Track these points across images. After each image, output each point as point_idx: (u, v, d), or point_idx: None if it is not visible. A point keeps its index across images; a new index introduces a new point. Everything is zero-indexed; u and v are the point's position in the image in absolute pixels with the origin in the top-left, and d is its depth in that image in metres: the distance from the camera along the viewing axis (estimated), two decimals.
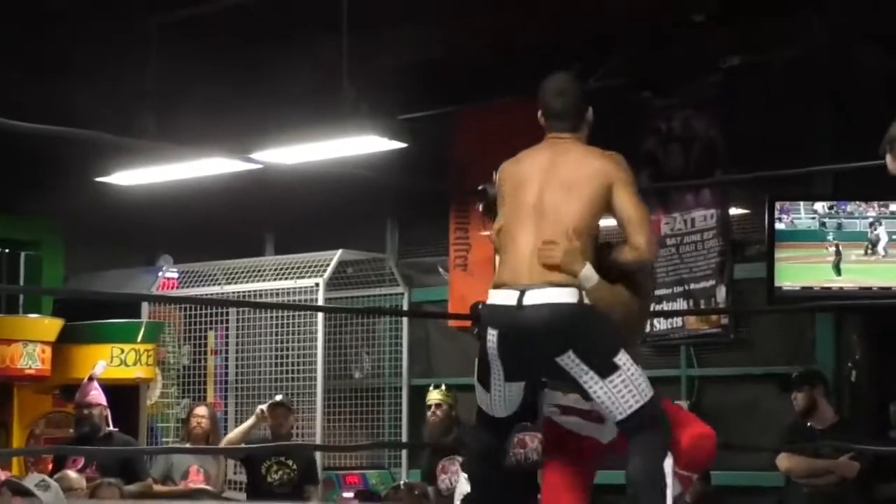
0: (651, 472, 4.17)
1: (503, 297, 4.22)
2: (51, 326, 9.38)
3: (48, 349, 9.27)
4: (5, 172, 9.68)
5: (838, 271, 7.88)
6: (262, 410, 8.62)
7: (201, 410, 8.81)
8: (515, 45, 7.95)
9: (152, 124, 7.87)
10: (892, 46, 7.69)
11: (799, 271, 7.92)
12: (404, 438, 10.01)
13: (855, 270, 7.85)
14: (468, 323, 9.09)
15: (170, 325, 10.42)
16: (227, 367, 10.45)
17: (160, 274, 10.52)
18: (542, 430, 4.65)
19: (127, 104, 8.27)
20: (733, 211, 8.76)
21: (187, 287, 10.44)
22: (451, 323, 9.72)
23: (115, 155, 8.68)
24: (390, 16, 7.98)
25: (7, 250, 10.26)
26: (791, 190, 8.14)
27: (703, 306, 8.70)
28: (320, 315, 9.72)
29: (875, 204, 7.81)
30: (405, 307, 10.21)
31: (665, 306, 8.73)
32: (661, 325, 8.76)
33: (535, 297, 4.15)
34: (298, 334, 9.85)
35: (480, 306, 4.41)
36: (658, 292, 8.70)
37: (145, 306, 10.29)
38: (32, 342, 9.19)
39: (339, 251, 9.89)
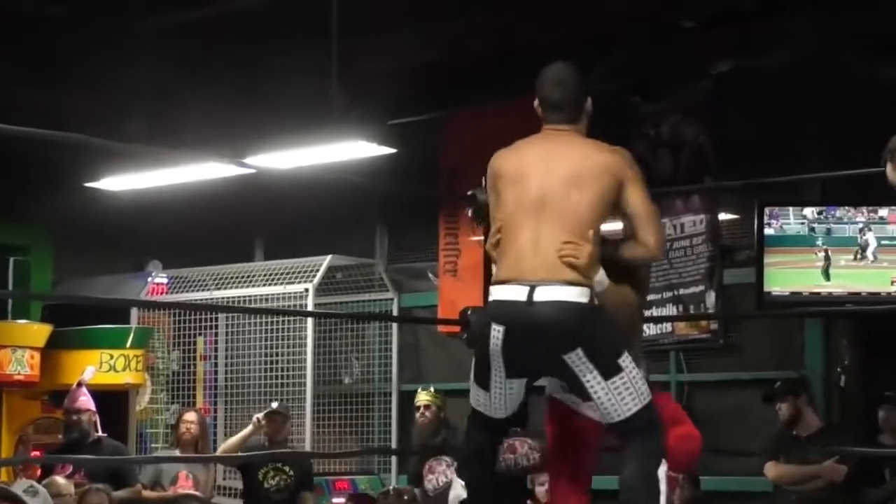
0: (646, 479, 4.15)
1: (511, 293, 4.14)
2: (40, 332, 9.35)
3: (37, 355, 9.25)
4: None
5: (827, 276, 7.89)
6: (258, 419, 8.59)
7: (190, 416, 8.78)
8: (505, 51, 7.95)
9: (142, 129, 7.87)
10: (881, 52, 7.70)
11: (788, 276, 7.93)
12: (394, 444, 10.01)
13: (844, 276, 7.86)
14: (458, 328, 9.09)
15: (159, 331, 10.40)
16: (216, 372, 10.44)
17: (149, 279, 10.51)
18: (546, 407, 4.63)
19: (117, 109, 8.27)
20: (722, 216, 8.77)
21: (177, 292, 10.42)
22: (441, 328, 9.71)
23: (104, 160, 8.67)
24: (380, 21, 7.98)
25: None
26: (780, 195, 8.15)
27: (692, 311, 8.71)
28: (310, 320, 9.71)
29: (864, 209, 7.83)
30: (395, 312, 10.20)
31: (655, 312, 8.73)
32: (650, 330, 8.76)
33: (546, 294, 4.08)
34: (288, 340, 9.84)
35: (470, 310, 4.37)
36: (647, 298, 8.71)
37: (134, 312, 10.28)
38: (21, 348, 9.17)
39: (329, 256, 9.89)
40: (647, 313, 8.60)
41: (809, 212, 7.94)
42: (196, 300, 10.18)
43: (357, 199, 9.47)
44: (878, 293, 7.77)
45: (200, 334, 10.44)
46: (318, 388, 9.86)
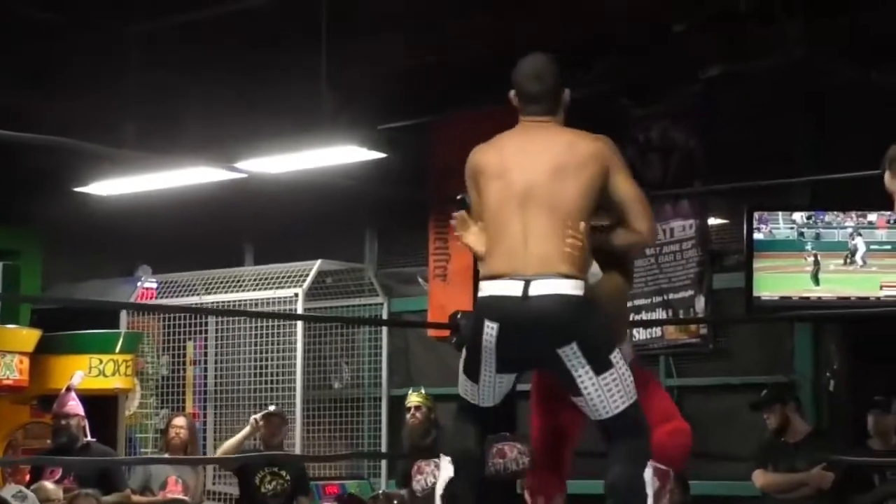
0: (632, 481, 4.12)
1: (504, 288, 4.08)
2: (29, 337, 9.34)
3: (26, 359, 9.23)
4: None
5: (816, 281, 7.90)
6: (255, 420, 8.59)
7: (180, 421, 8.78)
8: (493, 55, 7.94)
9: (131, 134, 7.86)
10: (871, 57, 7.72)
11: (777, 281, 7.94)
12: (383, 448, 10.00)
13: (833, 280, 7.87)
14: (447, 332, 9.11)
15: (148, 336, 10.40)
16: (205, 377, 10.43)
17: (139, 284, 10.49)
18: (532, 397, 4.64)
19: (107, 113, 8.26)
20: (712, 221, 8.78)
21: (166, 297, 10.41)
22: (431, 332, 9.73)
23: (93, 164, 8.66)
24: (370, 26, 7.98)
25: None
26: (769, 200, 8.16)
27: (681, 316, 8.71)
28: (299, 325, 9.71)
29: (853, 214, 7.84)
30: (384, 317, 10.21)
31: (644, 316, 8.74)
32: (640, 334, 8.77)
33: (541, 288, 4.03)
34: (278, 344, 9.84)
35: (460, 314, 4.36)
36: (637, 302, 8.73)
37: (124, 316, 10.27)
38: (10, 353, 9.14)
39: (319, 261, 9.89)
40: (636, 317, 8.69)
41: (799, 216, 7.95)
42: (185, 304, 10.17)
43: (347, 203, 9.47)
44: (868, 298, 7.79)
45: (190, 339, 10.44)
46: (307, 393, 9.85)
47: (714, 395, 8.71)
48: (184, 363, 10.46)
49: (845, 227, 7.88)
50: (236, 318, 10.26)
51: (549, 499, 4.63)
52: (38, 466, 8.30)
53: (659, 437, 4.36)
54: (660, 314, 8.74)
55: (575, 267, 4.07)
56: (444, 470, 4.39)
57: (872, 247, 7.83)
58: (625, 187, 4.23)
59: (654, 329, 8.82)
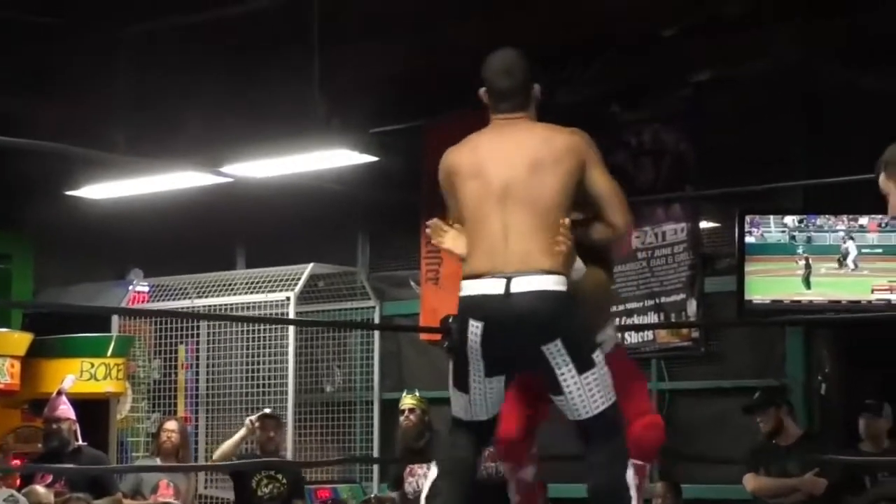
0: (616, 484, 4.11)
1: (487, 287, 4.06)
2: (20, 340, 9.32)
3: (17, 363, 9.21)
4: None
5: (808, 285, 7.91)
6: (251, 422, 8.58)
7: (171, 425, 8.77)
8: (484, 59, 7.95)
9: (122, 138, 7.86)
10: (861, 61, 7.73)
11: (769, 285, 7.95)
12: (375, 452, 9.99)
13: (825, 284, 7.88)
14: (439, 336, 9.10)
15: (140, 340, 10.38)
16: (197, 381, 10.41)
17: (130, 288, 10.48)
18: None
19: (99, 118, 8.25)
20: (703, 224, 8.79)
21: (158, 301, 10.40)
22: (423, 336, 9.72)
23: (85, 168, 8.65)
24: (361, 30, 7.98)
25: None
26: (761, 204, 8.17)
27: (673, 320, 8.72)
28: (291, 329, 9.70)
29: (844, 217, 7.85)
30: (376, 321, 10.20)
31: (636, 320, 8.75)
32: (631, 338, 8.77)
33: (523, 285, 4.02)
34: (269, 348, 9.82)
35: (451, 318, 4.33)
36: (629, 306, 8.74)
37: (115, 320, 10.25)
38: (1, 356, 9.12)
39: (311, 265, 9.88)
40: (627, 321, 8.70)
41: (790, 220, 7.97)
42: (177, 308, 10.16)
43: (339, 207, 9.47)
44: (859, 301, 7.80)
45: (182, 343, 10.42)
46: (299, 397, 9.84)
47: (706, 399, 8.71)
48: (175, 367, 10.45)
49: (837, 231, 7.90)
50: (228, 322, 10.24)
51: (519, 463, 4.63)
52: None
53: (636, 431, 4.36)
54: (651, 317, 8.75)
55: (556, 262, 4.05)
56: (431, 473, 4.39)
57: (864, 250, 7.85)
58: (601, 181, 4.23)
59: (645, 332, 8.82)
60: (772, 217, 7.99)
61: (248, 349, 9.98)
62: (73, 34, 7.97)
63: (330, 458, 10.08)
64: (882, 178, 4.03)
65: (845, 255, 7.87)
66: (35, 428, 9.18)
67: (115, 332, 10.04)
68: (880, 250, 7.84)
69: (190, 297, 10.24)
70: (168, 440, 8.59)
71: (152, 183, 8.77)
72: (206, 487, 9.78)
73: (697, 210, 8.71)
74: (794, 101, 8.41)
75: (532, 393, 4.51)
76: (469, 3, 7.65)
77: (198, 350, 10.43)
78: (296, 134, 7.88)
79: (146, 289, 10.56)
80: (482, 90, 4.33)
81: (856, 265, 7.85)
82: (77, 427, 8.18)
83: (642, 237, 8.77)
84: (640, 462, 4.30)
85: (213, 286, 10.19)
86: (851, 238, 7.88)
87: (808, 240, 7.94)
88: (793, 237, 7.95)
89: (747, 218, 7.96)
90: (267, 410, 8.80)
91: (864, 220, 7.84)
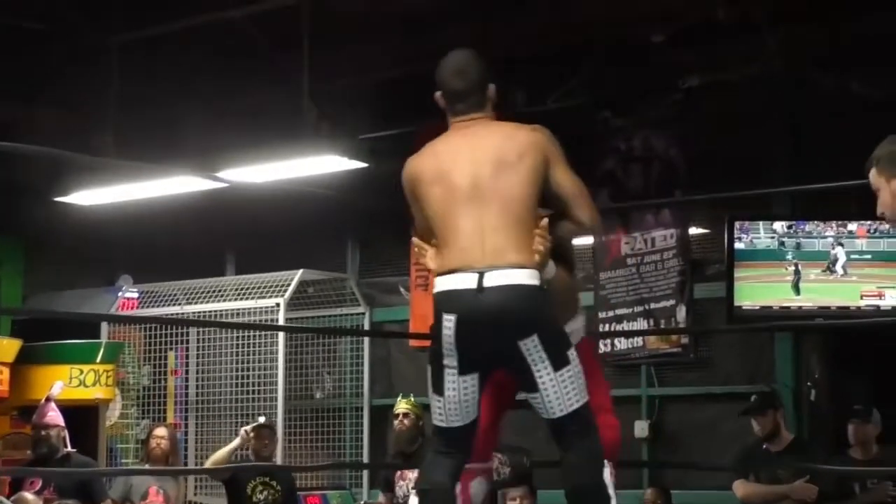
0: (594, 485, 4.08)
1: (459, 282, 4.04)
2: (9, 347, 9.31)
3: (6, 370, 9.20)
4: None
5: (797, 291, 7.93)
6: (246, 431, 8.56)
7: (161, 431, 8.74)
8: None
9: (112, 143, 7.85)
10: (850, 67, 7.75)
11: (758, 291, 7.97)
12: (365, 458, 9.99)
13: (814, 290, 7.90)
14: (429, 342, 9.10)
15: (130, 346, 10.37)
16: (187, 387, 10.40)
17: (120, 294, 10.47)
18: None
19: (88, 123, 8.25)
20: (693, 230, 8.80)
21: (147, 307, 10.39)
22: (413, 343, 9.71)
23: (75, 174, 8.64)
24: (351, 35, 7.98)
25: None
26: (750, 210, 8.18)
27: (663, 326, 8.72)
28: (281, 335, 9.69)
29: (833, 223, 7.87)
30: (366, 327, 10.20)
31: (625, 326, 8.76)
32: (621, 344, 8.78)
33: (496, 279, 3.98)
34: (259, 354, 9.81)
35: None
36: (618, 312, 8.75)
37: (105, 326, 10.24)
38: None
39: (300, 271, 9.88)
40: (618, 327, 8.71)
41: (779, 226, 7.98)
42: (167, 315, 10.15)
43: (329, 213, 9.46)
44: (848, 307, 7.82)
45: (171, 349, 10.41)
46: (289, 403, 9.84)
47: (695, 405, 8.73)
48: (165, 373, 10.44)
49: (826, 237, 7.92)
50: (218, 328, 10.23)
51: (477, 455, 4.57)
52: (18, 477, 8.26)
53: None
54: (641, 324, 8.75)
55: (530, 258, 4.03)
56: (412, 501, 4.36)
57: (853, 256, 7.87)
58: (565, 179, 4.19)
59: (635, 339, 8.82)
60: (761, 223, 8.01)
61: (237, 355, 9.97)
62: (66, 40, 7.97)
63: (324, 464, 10.07)
64: (873, 174, 4.03)
65: (834, 261, 7.89)
66: (24, 435, 9.15)
67: (104, 339, 10.02)
68: (869, 256, 7.86)
69: (179, 304, 10.23)
70: (157, 447, 8.56)
71: (142, 189, 8.76)
72: (195, 494, 9.76)
73: (687, 216, 8.72)
74: (782, 107, 8.43)
75: (496, 393, 4.50)
76: (460, 9, 7.66)
77: (187, 356, 10.42)
78: (286, 140, 7.88)
79: (136, 295, 10.55)
80: (438, 94, 4.31)
81: (845, 271, 7.87)
82: (66, 434, 8.16)
83: (632, 243, 8.78)
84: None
85: (203, 292, 10.18)
86: (840, 244, 7.90)
87: (798, 246, 7.96)
88: (782, 243, 7.97)
89: (737, 224, 7.98)
90: (262, 419, 8.78)
91: (852, 226, 7.86)
